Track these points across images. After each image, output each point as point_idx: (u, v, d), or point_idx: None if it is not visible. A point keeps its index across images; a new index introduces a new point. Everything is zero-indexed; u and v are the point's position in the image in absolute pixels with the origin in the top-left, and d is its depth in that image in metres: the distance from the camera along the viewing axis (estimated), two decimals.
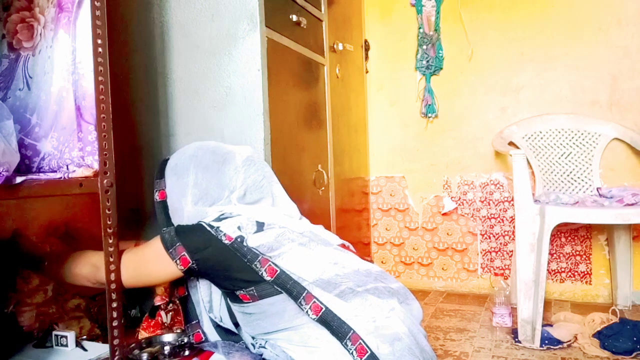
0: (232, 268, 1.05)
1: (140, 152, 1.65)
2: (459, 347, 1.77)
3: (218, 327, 1.21)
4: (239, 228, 1.06)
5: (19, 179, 0.86)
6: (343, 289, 1.03)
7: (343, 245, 1.18)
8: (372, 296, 1.04)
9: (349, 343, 0.98)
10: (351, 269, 1.08)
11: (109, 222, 1.00)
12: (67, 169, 1.01)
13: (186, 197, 1.15)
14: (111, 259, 1.00)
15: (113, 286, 1.01)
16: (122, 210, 1.04)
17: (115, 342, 1.01)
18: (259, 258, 1.04)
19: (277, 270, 1.04)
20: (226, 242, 1.05)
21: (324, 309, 1.01)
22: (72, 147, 1.02)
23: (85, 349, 1.13)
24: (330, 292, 1.02)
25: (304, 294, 1.02)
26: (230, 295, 1.10)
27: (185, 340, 1.22)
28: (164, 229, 1.10)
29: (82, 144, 1.01)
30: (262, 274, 1.04)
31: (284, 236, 1.08)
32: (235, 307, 1.12)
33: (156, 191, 1.20)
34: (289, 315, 1.04)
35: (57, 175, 0.97)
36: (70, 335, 1.14)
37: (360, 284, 1.05)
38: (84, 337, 1.26)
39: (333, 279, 1.05)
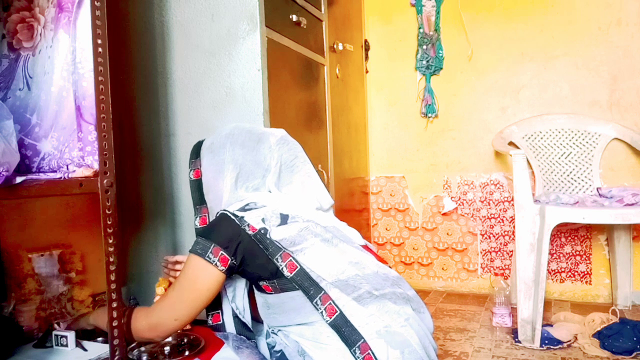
0: (257, 258, 1.05)
1: (140, 152, 1.65)
2: (459, 347, 1.77)
3: (236, 319, 1.21)
4: (263, 220, 1.06)
5: (19, 179, 0.86)
6: (361, 292, 1.02)
7: (366, 247, 1.17)
8: (389, 302, 1.02)
9: (357, 351, 0.97)
10: (371, 270, 1.07)
11: (109, 222, 1.00)
12: (67, 169, 1.01)
13: (222, 174, 1.15)
14: (111, 259, 1.00)
15: (113, 286, 1.01)
16: (121, 210, 1.04)
17: (115, 342, 1.01)
18: (281, 252, 1.03)
19: (297, 267, 1.03)
20: (250, 232, 1.05)
21: (338, 312, 1.00)
22: (72, 147, 1.02)
23: (85, 349, 1.13)
24: (349, 294, 1.01)
25: (320, 295, 1.01)
26: (255, 284, 1.11)
27: (185, 340, 1.22)
28: (192, 245, 1.08)
29: (82, 144, 1.01)
30: (282, 268, 1.03)
31: (307, 230, 1.07)
32: (258, 295, 1.12)
33: (191, 170, 1.21)
34: (306, 311, 1.03)
35: (57, 175, 0.97)
36: (70, 335, 1.14)
37: (378, 287, 1.04)
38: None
39: (352, 279, 1.04)
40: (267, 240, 1.04)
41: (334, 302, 1.00)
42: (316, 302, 1.01)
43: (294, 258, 1.03)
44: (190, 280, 1.07)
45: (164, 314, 1.08)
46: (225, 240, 1.05)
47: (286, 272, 1.03)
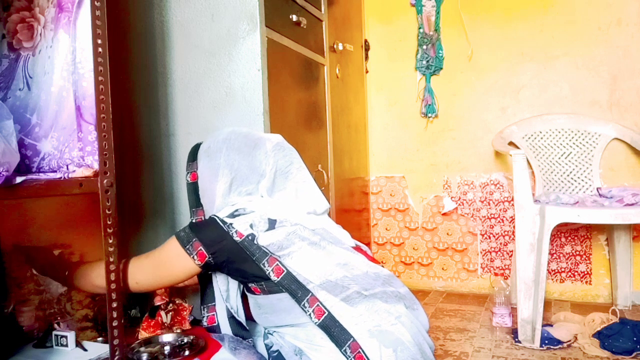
0: (243, 263, 1.06)
1: (140, 152, 1.65)
2: (459, 347, 1.77)
3: (232, 319, 1.22)
4: (251, 226, 1.07)
5: (19, 179, 0.86)
6: (350, 293, 1.02)
7: (358, 248, 1.17)
8: (379, 301, 1.03)
9: (348, 350, 0.97)
10: (360, 270, 1.08)
11: (109, 222, 1.00)
12: (67, 169, 1.01)
13: (217, 177, 1.16)
14: (111, 259, 1.00)
15: (113, 286, 1.01)
16: (121, 210, 1.04)
17: (115, 342, 1.01)
18: (267, 257, 1.04)
19: (283, 271, 1.04)
20: (237, 239, 1.06)
21: (326, 313, 1.00)
22: (72, 147, 1.02)
23: (85, 349, 1.13)
24: (337, 295, 1.01)
25: (307, 297, 1.01)
26: (244, 285, 1.13)
27: (185, 340, 1.22)
28: (180, 229, 1.12)
29: (82, 144, 1.01)
30: (269, 273, 1.04)
31: (295, 234, 1.08)
32: (249, 296, 1.14)
33: (188, 173, 1.23)
34: (296, 312, 1.04)
35: (57, 175, 0.97)
36: (70, 335, 1.14)
37: (367, 288, 1.05)
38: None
39: (341, 280, 1.04)
40: (254, 247, 1.05)
41: (321, 304, 1.01)
42: (304, 305, 1.02)
43: (280, 262, 1.04)
44: (164, 260, 1.11)
45: (129, 272, 1.12)
46: (208, 240, 1.07)
47: (273, 277, 1.04)
